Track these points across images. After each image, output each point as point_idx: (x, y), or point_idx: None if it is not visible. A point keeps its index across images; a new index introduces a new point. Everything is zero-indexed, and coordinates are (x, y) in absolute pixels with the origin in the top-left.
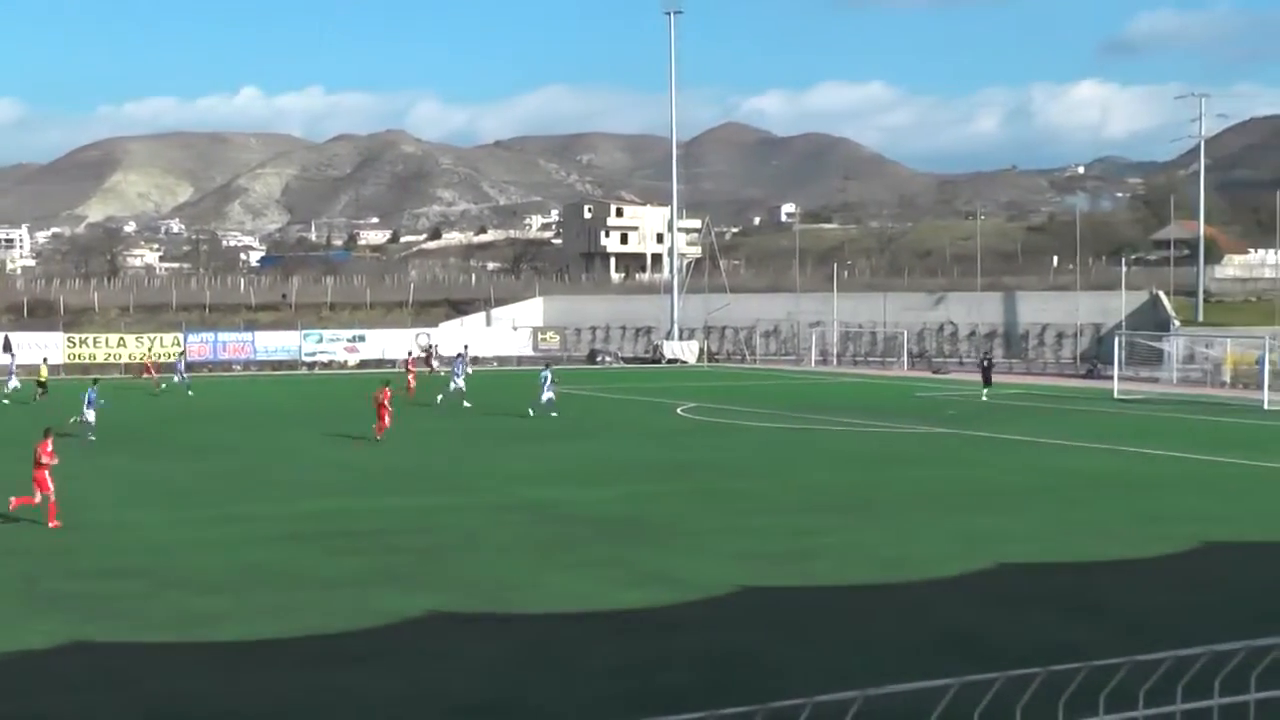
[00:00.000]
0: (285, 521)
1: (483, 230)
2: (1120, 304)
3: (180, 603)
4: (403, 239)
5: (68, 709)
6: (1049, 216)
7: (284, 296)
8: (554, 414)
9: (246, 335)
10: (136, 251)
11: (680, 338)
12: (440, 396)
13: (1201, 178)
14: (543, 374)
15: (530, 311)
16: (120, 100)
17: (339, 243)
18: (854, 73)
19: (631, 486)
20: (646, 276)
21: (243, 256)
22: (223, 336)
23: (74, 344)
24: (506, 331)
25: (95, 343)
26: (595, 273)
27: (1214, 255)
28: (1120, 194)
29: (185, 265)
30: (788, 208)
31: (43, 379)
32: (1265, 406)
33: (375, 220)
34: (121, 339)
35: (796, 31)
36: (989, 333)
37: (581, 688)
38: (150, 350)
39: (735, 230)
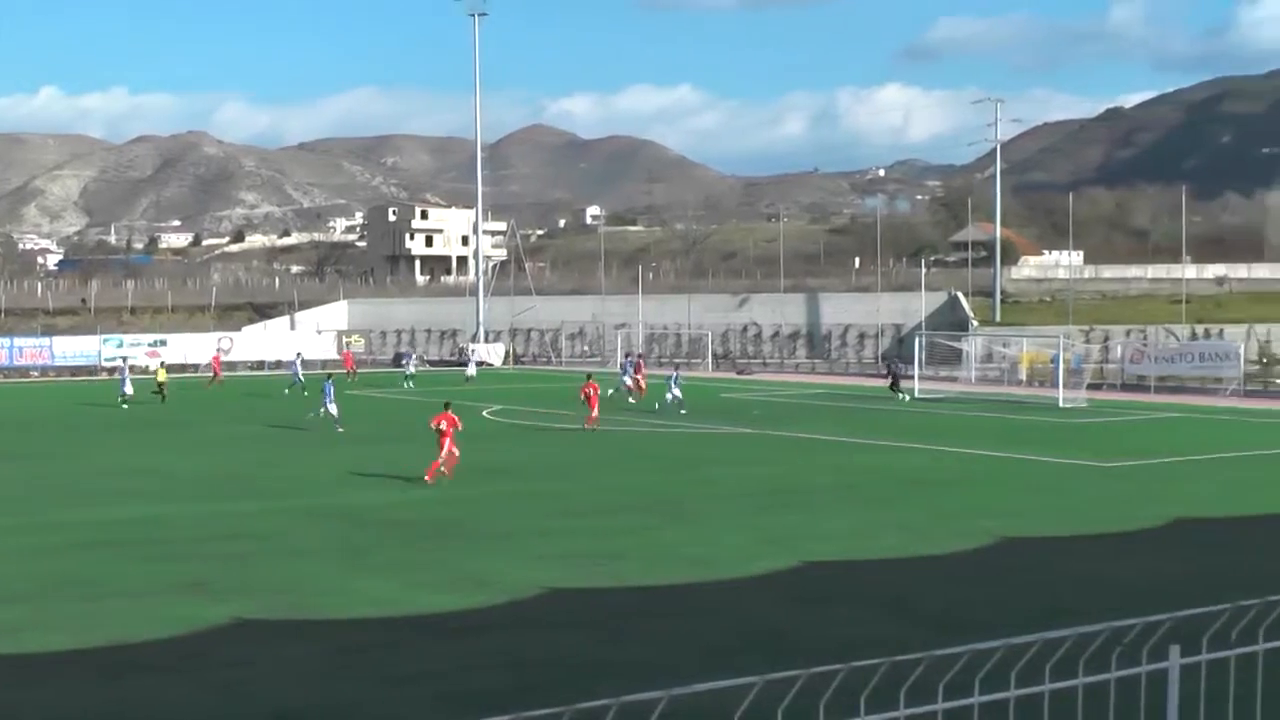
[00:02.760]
0: (89, 529)
1: (286, 233)
2: (920, 305)
3: None
4: (205, 242)
5: None
6: (850, 218)
7: (83, 301)
8: (683, 411)
9: (44, 341)
10: None
11: (486, 340)
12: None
13: (997, 180)
14: (672, 374)
15: (335, 315)
16: None
17: (140, 246)
18: (661, 76)
19: (440, 490)
20: (452, 279)
21: (40, 260)
22: (19, 342)
23: None
24: (311, 335)
25: None
26: (400, 276)
27: (1010, 256)
28: (920, 196)
29: None
30: (593, 210)
31: (162, 380)
32: (1060, 404)
33: (177, 223)
34: None
35: (604, 34)
36: (792, 333)
37: (392, 691)
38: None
39: (541, 232)
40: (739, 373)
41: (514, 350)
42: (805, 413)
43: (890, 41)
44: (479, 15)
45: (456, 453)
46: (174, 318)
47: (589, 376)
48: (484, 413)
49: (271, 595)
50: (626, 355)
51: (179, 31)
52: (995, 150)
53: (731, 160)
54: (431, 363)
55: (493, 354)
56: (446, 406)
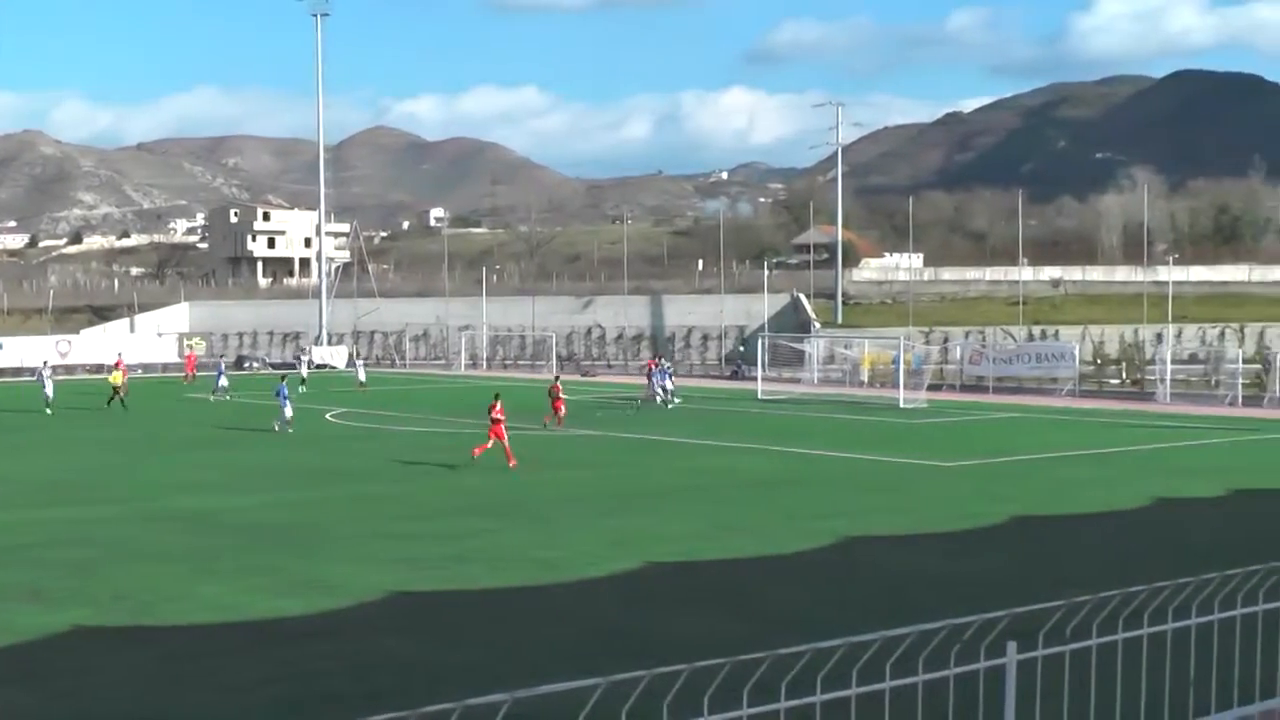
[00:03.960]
0: None
1: (126, 235)
2: (763, 307)
3: None
4: (42, 243)
5: None
6: (694, 221)
7: None
8: (677, 400)
9: None
10: None
11: (329, 343)
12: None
13: (839, 184)
14: (663, 364)
15: (176, 317)
16: None
17: None
18: (506, 77)
19: (283, 494)
20: (295, 281)
21: None
22: None
23: None
24: (152, 338)
25: None
26: (242, 278)
27: (851, 259)
28: (763, 199)
29: None
30: (437, 212)
31: (117, 384)
32: (901, 405)
33: (12, 224)
34: None
35: (449, 35)
36: (636, 335)
37: (235, 697)
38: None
39: (384, 234)
40: (583, 375)
41: (358, 353)
42: (649, 415)
43: (734, 45)
44: (321, 15)
45: (505, 443)
46: (9, 320)
47: (557, 378)
48: (327, 415)
49: (113, 602)
50: (656, 357)
51: (14, 27)
52: (837, 154)
53: (575, 162)
54: (274, 365)
55: (335, 357)
56: (496, 397)
